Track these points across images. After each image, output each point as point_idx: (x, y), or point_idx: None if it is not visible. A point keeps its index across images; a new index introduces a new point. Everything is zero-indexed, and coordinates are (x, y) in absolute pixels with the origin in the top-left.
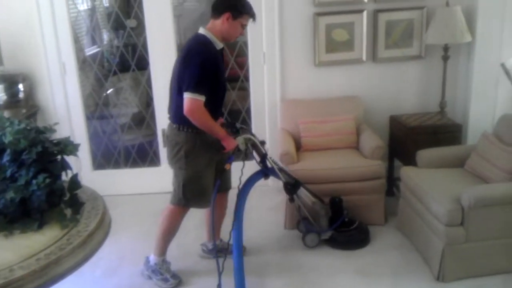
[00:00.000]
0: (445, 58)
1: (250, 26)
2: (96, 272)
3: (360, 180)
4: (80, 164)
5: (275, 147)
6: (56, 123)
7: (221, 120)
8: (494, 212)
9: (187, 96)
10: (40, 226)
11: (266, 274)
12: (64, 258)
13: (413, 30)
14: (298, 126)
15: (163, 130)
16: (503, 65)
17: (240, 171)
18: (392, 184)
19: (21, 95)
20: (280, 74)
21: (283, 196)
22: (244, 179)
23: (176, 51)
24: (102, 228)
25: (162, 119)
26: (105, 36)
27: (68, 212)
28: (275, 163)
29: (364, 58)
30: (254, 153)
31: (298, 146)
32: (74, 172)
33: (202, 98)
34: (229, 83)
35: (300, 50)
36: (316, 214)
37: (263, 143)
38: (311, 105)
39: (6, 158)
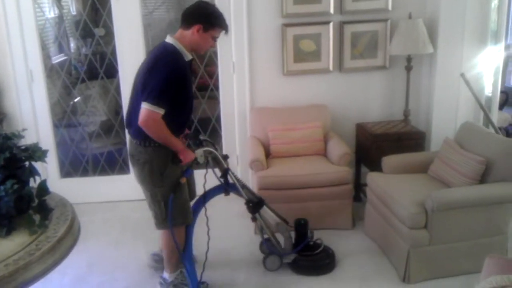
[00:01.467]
0: (408, 69)
1: (220, 36)
2: (64, 280)
3: (328, 185)
4: (47, 172)
5: (245, 154)
6: (24, 129)
7: (186, 131)
8: (457, 215)
9: (145, 106)
10: (8, 232)
11: (235, 284)
12: (33, 264)
13: (377, 42)
14: (268, 134)
15: None
16: (463, 75)
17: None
18: (359, 190)
19: None
20: (250, 83)
21: None
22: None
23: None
24: (71, 234)
25: None
26: (72, 44)
27: (37, 218)
28: (237, 179)
29: (331, 68)
30: (215, 168)
31: (268, 153)
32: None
33: (160, 111)
34: (199, 91)
35: (269, 59)
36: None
37: (225, 157)
38: (280, 113)
39: None
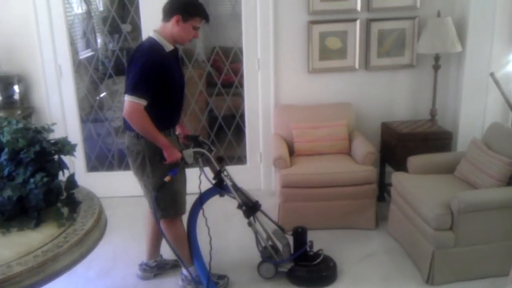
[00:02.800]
0: (436, 68)
1: (245, 32)
2: (89, 272)
3: (352, 185)
4: (74, 166)
5: (269, 151)
6: (54, 123)
7: (187, 131)
8: (483, 217)
9: (127, 99)
10: (37, 224)
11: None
12: (61, 256)
13: (405, 40)
14: (291, 132)
15: None
16: (492, 75)
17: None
18: (383, 190)
19: (16, 96)
20: (274, 80)
21: (275, 200)
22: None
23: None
24: (98, 227)
25: None
26: (100, 39)
27: (65, 211)
28: (232, 182)
29: (356, 66)
30: (208, 169)
31: (291, 151)
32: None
33: (141, 102)
34: (223, 88)
35: (294, 57)
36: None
37: (220, 159)
38: (304, 111)
39: (4, 157)
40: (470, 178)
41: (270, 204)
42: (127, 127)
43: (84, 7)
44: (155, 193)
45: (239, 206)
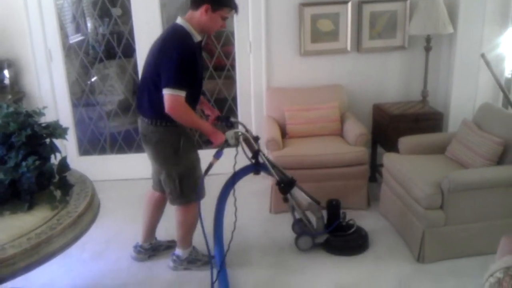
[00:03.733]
0: (428, 49)
1: (236, 15)
2: (83, 255)
3: (344, 166)
4: (66, 150)
5: (261, 134)
6: (45, 107)
7: (217, 113)
8: (473, 196)
9: (167, 92)
10: (30, 207)
11: (249, 263)
12: (55, 238)
13: (396, 21)
14: (284, 114)
15: None
16: (483, 56)
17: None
18: (375, 170)
19: (6, 81)
20: (266, 63)
21: (268, 181)
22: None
23: None
24: (91, 210)
25: None
26: (90, 24)
27: (58, 193)
28: (269, 160)
29: (348, 48)
30: (246, 149)
31: (284, 133)
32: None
33: (183, 94)
34: (215, 71)
35: (285, 39)
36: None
37: (257, 138)
38: (296, 93)
39: None
40: (461, 158)
41: (263, 186)
42: (142, 113)
43: None
44: (172, 180)
45: (277, 183)
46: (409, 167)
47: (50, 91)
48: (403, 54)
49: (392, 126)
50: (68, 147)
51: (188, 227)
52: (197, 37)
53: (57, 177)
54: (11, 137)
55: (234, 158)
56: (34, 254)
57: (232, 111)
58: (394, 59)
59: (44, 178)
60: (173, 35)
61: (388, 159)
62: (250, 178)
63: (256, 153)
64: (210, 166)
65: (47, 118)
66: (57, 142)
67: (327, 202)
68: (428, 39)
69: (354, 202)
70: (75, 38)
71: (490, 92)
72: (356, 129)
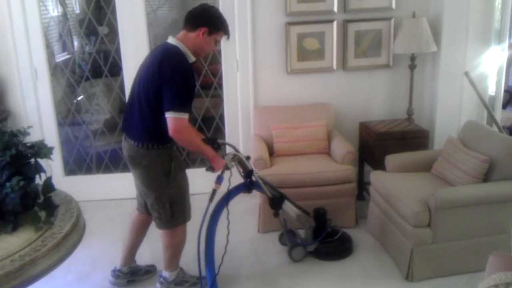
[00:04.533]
0: (412, 67)
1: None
2: (68, 276)
3: (332, 184)
4: (52, 170)
5: (249, 152)
6: (29, 127)
7: (201, 136)
8: (460, 213)
9: (172, 116)
10: (14, 229)
11: (238, 281)
12: (39, 260)
13: (381, 40)
14: (271, 132)
15: None
16: (467, 74)
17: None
18: (362, 188)
19: None
20: (253, 81)
21: (257, 199)
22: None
23: None
24: (77, 231)
25: None
26: (76, 42)
27: (42, 214)
28: (261, 178)
29: (334, 66)
30: (240, 169)
31: (271, 152)
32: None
33: (186, 116)
34: (203, 90)
35: (272, 58)
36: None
37: (248, 158)
38: (283, 111)
39: None
40: (447, 175)
41: (251, 205)
42: (130, 135)
43: (60, 9)
44: (162, 204)
45: (270, 200)
46: (396, 185)
47: (36, 110)
48: (388, 73)
49: (379, 144)
50: (53, 167)
51: (175, 250)
52: (191, 58)
53: (42, 197)
54: None
55: (228, 181)
56: (18, 277)
57: (220, 129)
58: (380, 78)
59: (28, 198)
60: (172, 57)
61: (375, 177)
62: (237, 198)
63: (250, 173)
64: (213, 192)
65: (32, 137)
66: (42, 162)
67: (314, 210)
68: (412, 58)
69: (342, 220)
70: (61, 57)
71: (475, 110)
72: (343, 147)
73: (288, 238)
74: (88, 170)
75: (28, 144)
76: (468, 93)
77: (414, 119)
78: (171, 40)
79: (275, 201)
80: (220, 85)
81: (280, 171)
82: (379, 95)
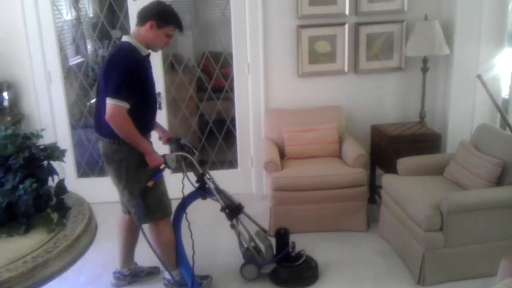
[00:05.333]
0: (424, 70)
1: (235, 36)
2: (80, 278)
3: (343, 187)
4: (64, 172)
5: (260, 155)
6: (43, 129)
7: (169, 135)
8: (472, 217)
9: (109, 102)
10: (27, 230)
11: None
12: (51, 261)
13: (393, 43)
14: (282, 135)
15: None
16: (479, 77)
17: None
18: (374, 192)
19: (5, 103)
20: (264, 84)
21: (266, 203)
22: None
23: (161, 60)
24: (89, 232)
25: None
26: (89, 46)
27: (55, 216)
28: (215, 184)
29: (346, 69)
30: (191, 173)
31: (282, 155)
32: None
33: (124, 105)
34: (214, 93)
35: (283, 61)
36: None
37: (203, 162)
38: (294, 114)
39: None
40: (459, 179)
41: (261, 208)
42: (103, 134)
43: (74, 13)
44: (133, 198)
45: (222, 209)
46: (408, 189)
47: (49, 113)
48: (400, 75)
49: (391, 147)
50: (66, 169)
51: (166, 247)
52: (145, 51)
53: (54, 199)
54: (8, 159)
55: (181, 182)
56: (30, 278)
57: (231, 132)
58: (391, 80)
59: (41, 200)
60: (118, 51)
61: (387, 181)
62: (248, 202)
63: (200, 177)
64: (146, 188)
65: (46, 140)
66: (55, 164)
67: (276, 231)
68: (424, 60)
69: (353, 224)
70: (74, 60)
71: (487, 113)
72: (354, 151)
73: (242, 254)
74: (101, 173)
75: (41, 147)
76: (481, 96)
77: (427, 122)
78: (124, 38)
79: (229, 211)
80: (231, 88)
81: (291, 174)
82: (391, 98)
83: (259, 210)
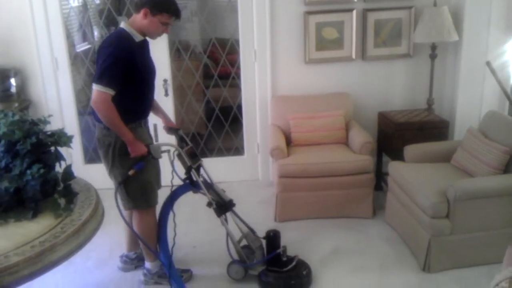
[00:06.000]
0: (433, 57)
1: (242, 23)
2: (87, 263)
3: (349, 174)
4: (72, 158)
5: (266, 142)
6: (50, 115)
7: (171, 124)
8: (479, 205)
9: (94, 88)
10: (35, 215)
11: None
12: (59, 246)
13: (401, 29)
14: (289, 122)
15: (155, 125)
16: (488, 63)
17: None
18: (380, 179)
19: (13, 89)
20: (271, 71)
21: (272, 190)
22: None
23: (168, 48)
24: (96, 218)
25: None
26: (96, 32)
27: (62, 201)
28: (205, 179)
29: (353, 56)
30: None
31: (289, 141)
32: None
33: (108, 91)
34: (220, 80)
35: (290, 47)
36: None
37: (194, 155)
38: (301, 101)
39: (0, 149)
40: (467, 166)
41: (268, 195)
42: (96, 118)
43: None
44: (117, 184)
45: (209, 204)
46: (414, 176)
47: (56, 99)
48: (408, 62)
49: (398, 134)
50: (73, 155)
51: (145, 237)
52: (139, 37)
53: (61, 185)
54: (16, 145)
55: (171, 173)
56: (38, 262)
57: (237, 119)
58: (399, 67)
59: (48, 186)
60: (110, 37)
61: (394, 168)
62: (254, 188)
63: (188, 170)
64: (127, 176)
65: (53, 126)
66: (62, 150)
67: (266, 233)
68: (433, 47)
69: (360, 211)
70: (81, 47)
71: (496, 100)
72: (361, 137)
73: (230, 254)
74: None
75: (49, 133)
76: (490, 83)
77: (434, 109)
78: (121, 24)
79: (217, 206)
80: (238, 75)
81: (298, 161)
82: (399, 85)
83: (265, 196)
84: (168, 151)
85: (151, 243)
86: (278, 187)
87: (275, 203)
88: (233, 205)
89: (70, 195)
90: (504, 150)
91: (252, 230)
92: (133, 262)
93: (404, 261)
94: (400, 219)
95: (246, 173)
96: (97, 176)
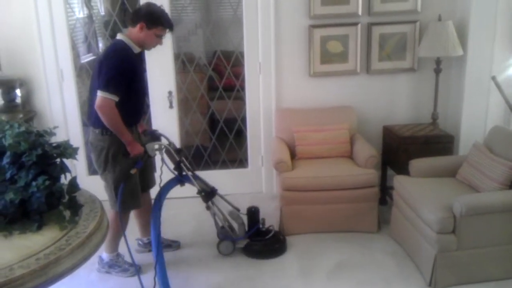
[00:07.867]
0: (437, 71)
1: (246, 36)
2: (91, 275)
3: (354, 188)
4: (76, 169)
5: (270, 155)
6: (55, 127)
7: (143, 126)
8: (485, 220)
9: (99, 94)
10: (39, 227)
11: None
12: (63, 259)
13: (406, 43)
14: (293, 135)
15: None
16: (494, 78)
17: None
18: (385, 193)
19: (18, 100)
20: (276, 83)
21: (276, 203)
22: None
23: (173, 60)
24: (100, 230)
25: (159, 126)
26: (101, 44)
27: (67, 213)
28: (191, 171)
29: (358, 69)
30: (166, 159)
31: (293, 155)
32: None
33: (113, 98)
34: (225, 92)
35: (295, 60)
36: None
37: (179, 151)
38: (305, 114)
39: (6, 160)
40: (472, 181)
41: (271, 207)
42: (92, 123)
43: (86, 11)
44: (121, 185)
45: (199, 192)
46: (420, 190)
47: (61, 111)
48: (413, 76)
49: (402, 148)
50: (78, 167)
51: (114, 233)
52: (136, 49)
53: (66, 197)
54: (21, 156)
55: (160, 169)
56: (43, 275)
57: (241, 131)
58: (404, 81)
59: (53, 198)
60: (111, 47)
61: (399, 182)
62: (258, 201)
63: (178, 164)
64: (129, 175)
65: (58, 137)
66: (67, 161)
67: (247, 209)
68: (438, 61)
69: (364, 225)
70: (86, 58)
71: (501, 115)
72: (365, 151)
73: (219, 232)
74: None
75: (54, 144)
76: (495, 97)
77: (439, 123)
78: (118, 36)
79: (205, 194)
80: (242, 87)
81: (302, 174)
82: (403, 99)
83: (269, 209)
84: (159, 149)
85: (116, 241)
86: (282, 200)
87: (279, 217)
88: (216, 190)
89: (75, 207)
90: (510, 165)
91: (236, 209)
92: (146, 246)
93: (410, 276)
94: (405, 234)
95: (250, 185)
96: (100, 188)
